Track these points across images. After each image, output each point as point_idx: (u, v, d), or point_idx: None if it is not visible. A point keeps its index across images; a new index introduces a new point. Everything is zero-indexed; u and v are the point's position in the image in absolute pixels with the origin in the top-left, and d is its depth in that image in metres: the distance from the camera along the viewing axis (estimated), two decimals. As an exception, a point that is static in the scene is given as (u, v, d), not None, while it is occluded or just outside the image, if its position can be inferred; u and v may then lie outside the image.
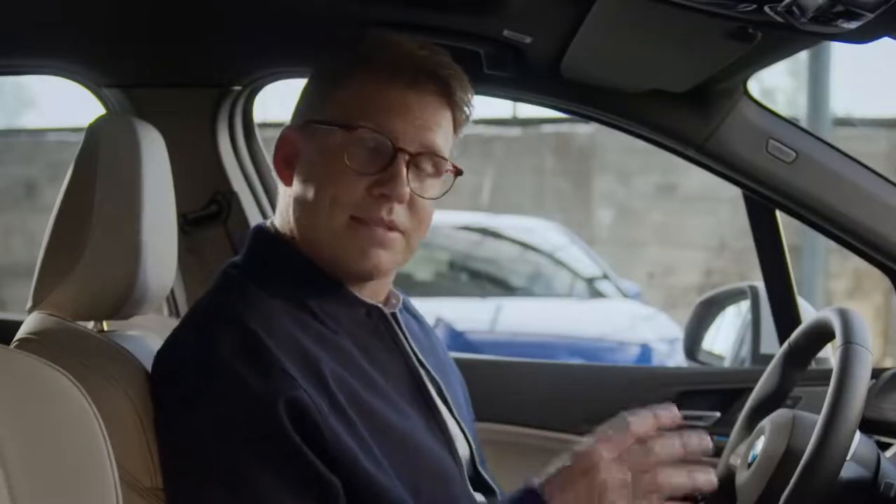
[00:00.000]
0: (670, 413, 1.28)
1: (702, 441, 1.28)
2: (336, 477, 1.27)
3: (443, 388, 1.49)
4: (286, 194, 1.45)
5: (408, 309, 1.57)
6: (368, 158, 1.37)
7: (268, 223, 1.48)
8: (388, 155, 1.37)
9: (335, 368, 1.33)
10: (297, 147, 1.43)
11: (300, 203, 1.41)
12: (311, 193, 1.39)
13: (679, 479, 1.25)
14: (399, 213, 1.37)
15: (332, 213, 1.37)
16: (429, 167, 1.40)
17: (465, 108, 1.44)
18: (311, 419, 1.26)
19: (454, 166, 1.43)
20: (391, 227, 1.37)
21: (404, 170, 1.36)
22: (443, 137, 1.41)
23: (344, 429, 1.29)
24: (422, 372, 1.45)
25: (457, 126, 1.45)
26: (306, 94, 1.47)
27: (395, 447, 1.33)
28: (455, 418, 1.48)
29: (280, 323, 1.34)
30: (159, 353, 1.39)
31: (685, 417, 2.05)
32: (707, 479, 1.26)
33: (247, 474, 1.25)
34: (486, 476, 1.48)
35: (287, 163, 1.44)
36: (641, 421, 1.27)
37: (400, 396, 1.39)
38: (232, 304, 1.36)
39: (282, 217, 1.46)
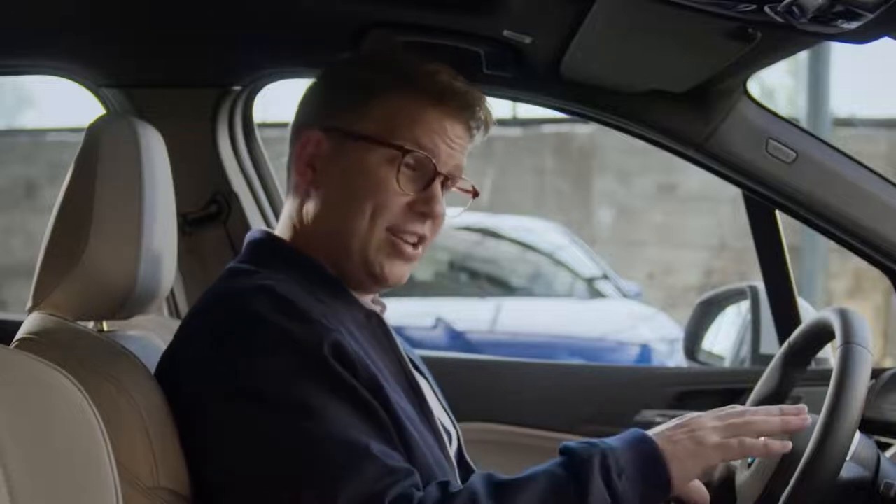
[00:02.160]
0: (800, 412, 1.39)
1: (799, 420, 1.38)
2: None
3: (435, 388, 1.53)
4: (305, 198, 1.47)
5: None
6: (411, 179, 1.45)
7: (260, 234, 1.51)
8: (429, 176, 1.46)
9: (353, 344, 1.37)
10: (325, 150, 1.46)
11: (332, 211, 1.46)
12: (348, 203, 1.44)
13: (756, 443, 1.36)
14: (429, 227, 1.48)
15: (373, 224, 1.44)
16: (449, 185, 1.51)
17: (483, 132, 1.54)
18: (353, 361, 1.32)
19: (473, 188, 1.54)
20: (421, 239, 1.47)
21: (440, 191, 1.47)
22: (464, 159, 1.52)
23: (378, 377, 1.35)
24: (414, 373, 1.49)
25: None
26: (328, 97, 1.50)
27: (402, 429, 1.36)
28: (448, 414, 1.53)
29: (304, 296, 1.38)
30: (183, 335, 1.42)
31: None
32: (784, 443, 1.37)
33: (307, 406, 1.28)
34: (475, 467, 1.51)
35: (311, 164, 1.47)
36: (767, 419, 1.38)
37: (400, 393, 1.42)
38: (251, 281, 1.39)
39: (292, 220, 1.48)
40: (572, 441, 1.37)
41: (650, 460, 1.32)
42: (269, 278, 1.39)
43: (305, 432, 1.27)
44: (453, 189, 1.53)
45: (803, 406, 1.40)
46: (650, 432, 1.37)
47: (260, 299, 1.34)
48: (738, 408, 1.40)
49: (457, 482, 1.42)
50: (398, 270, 1.46)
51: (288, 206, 1.51)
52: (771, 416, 1.37)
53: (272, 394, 1.29)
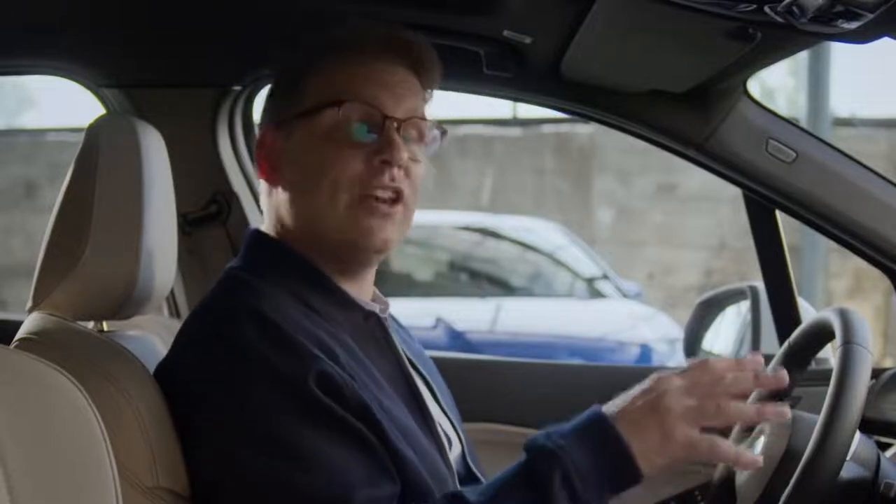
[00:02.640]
0: (752, 357, 1.33)
1: (779, 379, 1.32)
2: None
3: (435, 389, 1.51)
4: (275, 195, 1.46)
5: (391, 316, 1.59)
6: (361, 130, 1.41)
7: (255, 234, 1.50)
8: (378, 124, 1.41)
9: (347, 359, 1.35)
10: (280, 145, 1.45)
11: (297, 197, 1.43)
12: (308, 184, 1.41)
13: (746, 408, 1.30)
14: (399, 178, 1.41)
15: (335, 195, 1.40)
16: (413, 133, 1.45)
17: (430, 78, 1.49)
18: (341, 391, 1.29)
19: (439, 126, 1.48)
20: (395, 193, 1.41)
21: (397, 135, 1.41)
22: (420, 104, 1.47)
23: (370, 403, 1.32)
24: (414, 375, 1.47)
25: (427, 95, 1.50)
26: (276, 95, 1.50)
27: (399, 439, 1.34)
28: (448, 418, 1.50)
29: (293, 316, 1.36)
30: (176, 351, 1.40)
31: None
32: (777, 410, 1.32)
33: (292, 441, 1.27)
34: (477, 472, 1.49)
35: (271, 164, 1.46)
36: (722, 360, 1.32)
37: (397, 398, 1.41)
38: (243, 297, 1.38)
39: (272, 219, 1.47)
40: (533, 439, 1.33)
41: (615, 460, 1.26)
42: (262, 295, 1.37)
43: (288, 469, 1.26)
44: (422, 136, 1.46)
45: (783, 372, 1.34)
46: (613, 415, 1.30)
47: (248, 326, 1.32)
48: (706, 365, 1.31)
49: (456, 488, 1.41)
50: (377, 230, 1.41)
51: (265, 209, 1.50)
52: (740, 370, 1.31)
53: (258, 430, 1.28)
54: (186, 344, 1.40)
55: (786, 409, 1.32)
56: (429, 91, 1.50)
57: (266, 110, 1.51)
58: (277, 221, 1.46)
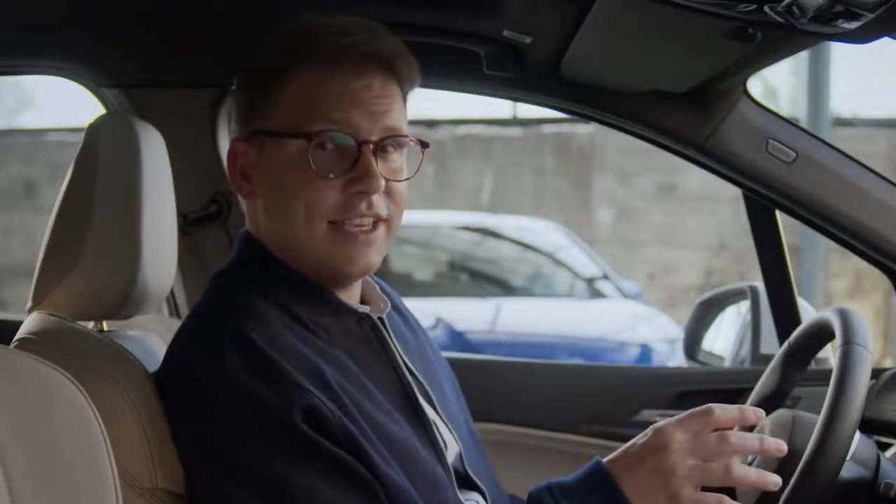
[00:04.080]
0: (758, 414, 1.31)
1: (780, 446, 1.30)
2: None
3: (430, 391, 1.47)
4: (252, 208, 1.42)
5: (396, 307, 1.55)
6: (335, 159, 1.34)
7: (246, 237, 1.45)
8: (353, 151, 1.34)
9: (337, 377, 1.32)
10: (252, 158, 1.39)
11: (272, 214, 1.38)
12: (282, 204, 1.36)
13: (751, 471, 1.28)
14: (378, 203, 1.35)
15: (309, 222, 1.34)
16: (390, 147, 1.37)
17: (411, 78, 1.41)
18: (327, 423, 1.26)
19: (419, 140, 1.40)
20: (376, 219, 1.35)
21: (373, 161, 1.33)
22: (398, 114, 1.38)
23: (356, 431, 1.29)
24: (410, 379, 1.43)
25: (405, 97, 1.41)
26: (242, 102, 1.42)
27: (394, 454, 1.32)
28: (444, 421, 1.47)
29: (281, 335, 1.33)
30: (166, 369, 1.38)
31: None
32: (776, 480, 1.29)
33: (276, 476, 1.25)
34: (475, 476, 1.48)
35: (244, 175, 1.40)
36: (726, 412, 1.29)
37: (391, 404, 1.38)
38: (232, 317, 1.34)
39: (254, 226, 1.43)
40: (537, 493, 1.31)
41: None
42: (250, 314, 1.34)
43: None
44: (409, 144, 1.38)
45: (783, 444, 1.32)
46: (615, 456, 1.29)
47: (236, 355, 1.28)
48: (710, 417, 1.28)
49: (454, 493, 1.40)
50: (359, 261, 1.35)
51: (247, 217, 1.44)
52: (744, 422, 1.30)
53: (240, 463, 1.26)
54: (177, 362, 1.37)
55: (779, 480, 1.30)
56: (408, 90, 1.41)
57: (233, 117, 1.43)
58: (258, 232, 1.42)
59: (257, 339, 1.30)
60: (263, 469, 1.25)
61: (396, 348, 1.45)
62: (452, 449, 1.46)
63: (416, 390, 1.44)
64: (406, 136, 1.38)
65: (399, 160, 1.39)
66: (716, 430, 1.29)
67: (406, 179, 1.39)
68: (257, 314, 1.34)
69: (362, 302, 1.46)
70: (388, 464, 1.30)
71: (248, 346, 1.29)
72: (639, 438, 1.30)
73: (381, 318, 1.45)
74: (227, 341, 1.31)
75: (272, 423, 1.25)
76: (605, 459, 1.31)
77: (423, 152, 1.41)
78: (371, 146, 1.34)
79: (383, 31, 1.39)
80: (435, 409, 1.47)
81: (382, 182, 1.34)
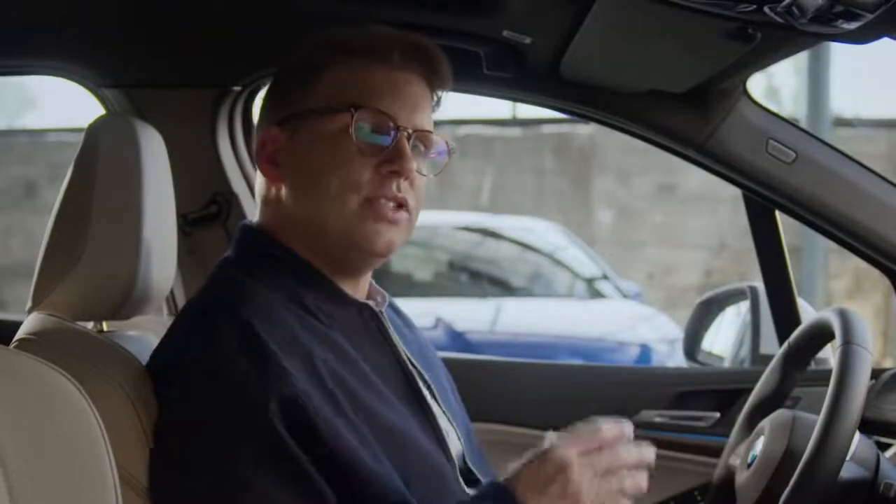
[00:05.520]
0: (626, 425, 1.32)
1: (651, 452, 1.32)
2: (335, 472, 1.27)
3: (432, 384, 1.49)
4: (275, 192, 1.44)
5: (393, 308, 1.57)
6: (372, 138, 1.39)
7: (252, 222, 1.48)
8: (390, 134, 1.39)
9: (331, 363, 1.33)
10: (282, 142, 1.43)
11: (301, 196, 1.41)
12: (314, 182, 1.40)
13: (642, 481, 1.30)
14: (406, 189, 1.40)
15: (344, 197, 1.38)
16: (421, 146, 1.44)
17: (442, 88, 1.47)
18: (306, 417, 1.26)
19: (447, 143, 1.47)
20: (400, 203, 1.40)
21: (408, 147, 1.39)
22: (429, 117, 1.45)
23: (342, 423, 1.29)
24: (412, 369, 1.45)
25: (434, 106, 1.48)
26: (278, 92, 1.48)
27: (389, 441, 1.33)
28: (445, 414, 1.48)
29: (278, 314, 1.34)
30: (157, 349, 1.40)
31: (685, 418, 2.05)
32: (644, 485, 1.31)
33: (236, 473, 1.25)
34: (477, 472, 1.48)
35: (273, 161, 1.44)
36: (613, 427, 1.30)
37: (391, 393, 1.39)
38: (229, 296, 1.36)
39: (269, 215, 1.45)
40: None
41: None
42: (250, 296, 1.35)
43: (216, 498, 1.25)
44: (429, 149, 1.44)
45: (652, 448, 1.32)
46: (516, 478, 1.28)
47: (225, 334, 1.29)
48: (600, 437, 1.29)
49: (457, 482, 1.41)
50: (384, 236, 1.39)
51: (260, 205, 1.47)
52: (629, 448, 1.30)
53: (197, 451, 1.27)
54: (167, 347, 1.39)
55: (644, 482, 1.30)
56: (437, 102, 1.48)
57: (266, 108, 1.49)
58: (277, 219, 1.44)
59: (248, 315, 1.31)
60: (225, 462, 1.25)
61: (396, 339, 1.46)
62: (454, 442, 1.46)
63: (418, 380, 1.45)
64: (435, 135, 1.44)
65: (424, 165, 1.45)
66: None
67: (428, 175, 1.44)
68: (255, 293, 1.36)
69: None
70: (375, 457, 1.30)
71: (237, 323, 1.31)
72: (531, 458, 1.29)
73: (380, 312, 1.47)
74: (217, 319, 1.33)
75: (247, 412, 1.25)
76: (502, 480, 1.31)
77: (448, 158, 1.47)
78: (407, 133, 1.40)
79: (429, 40, 1.45)
80: (437, 401, 1.48)
81: (414, 166, 1.39)
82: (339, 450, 1.27)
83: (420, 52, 1.43)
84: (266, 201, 1.46)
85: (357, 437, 1.29)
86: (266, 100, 1.50)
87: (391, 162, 1.38)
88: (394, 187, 1.39)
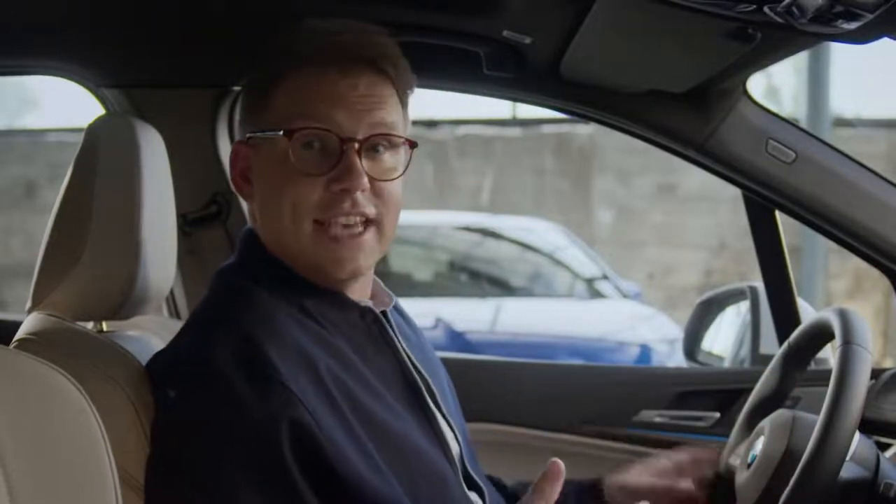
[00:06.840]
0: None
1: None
2: (341, 494, 1.26)
3: (433, 388, 1.48)
4: (252, 208, 1.44)
5: (396, 309, 1.56)
6: (318, 157, 1.35)
7: (250, 235, 1.47)
8: (336, 148, 1.35)
9: (333, 369, 1.32)
10: (251, 160, 1.42)
11: (265, 215, 1.40)
12: (272, 204, 1.38)
13: None
14: (363, 203, 1.35)
15: (296, 219, 1.35)
16: (381, 147, 1.38)
17: (404, 78, 1.41)
18: (312, 437, 1.25)
19: (408, 140, 1.40)
20: (363, 219, 1.36)
21: (357, 159, 1.34)
22: (388, 112, 1.38)
23: (343, 434, 1.28)
24: (413, 373, 1.44)
25: (402, 98, 1.42)
26: (244, 107, 1.46)
27: (392, 449, 1.32)
28: (445, 418, 1.47)
29: (280, 323, 1.33)
30: (157, 356, 1.39)
31: (685, 418, 2.05)
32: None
33: (232, 491, 1.23)
34: (475, 475, 1.48)
35: (244, 178, 1.43)
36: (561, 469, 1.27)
37: (394, 398, 1.39)
38: (231, 306, 1.36)
39: (258, 226, 1.44)
40: None
41: None
42: (255, 297, 1.35)
43: None
44: (393, 147, 1.38)
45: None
46: None
47: (226, 346, 1.28)
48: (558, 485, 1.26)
49: (460, 487, 1.40)
50: (346, 261, 1.35)
51: (248, 217, 1.48)
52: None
53: (194, 466, 1.25)
54: (171, 350, 1.38)
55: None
56: (404, 91, 1.42)
57: (237, 122, 1.47)
58: (262, 231, 1.43)
59: (250, 325, 1.30)
60: (222, 479, 1.23)
61: (399, 342, 1.45)
62: (454, 446, 1.46)
63: (419, 384, 1.44)
64: (393, 135, 1.38)
65: (391, 160, 1.39)
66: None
67: (393, 179, 1.38)
68: (258, 301, 1.35)
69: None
70: (377, 470, 1.29)
71: (239, 335, 1.29)
72: None
73: (383, 313, 1.46)
74: (219, 330, 1.32)
75: (252, 432, 1.24)
76: None
77: (411, 152, 1.41)
78: (356, 144, 1.35)
79: (374, 32, 1.40)
80: (437, 405, 1.47)
81: (365, 180, 1.35)
82: (342, 466, 1.26)
83: (362, 53, 1.38)
84: (250, 214, 1.46)
85: (358, 449, 1.28)
86: (239, 111, 1.48)
87: (339, 180, 1.34)
88: (347, 205, 1.34)
